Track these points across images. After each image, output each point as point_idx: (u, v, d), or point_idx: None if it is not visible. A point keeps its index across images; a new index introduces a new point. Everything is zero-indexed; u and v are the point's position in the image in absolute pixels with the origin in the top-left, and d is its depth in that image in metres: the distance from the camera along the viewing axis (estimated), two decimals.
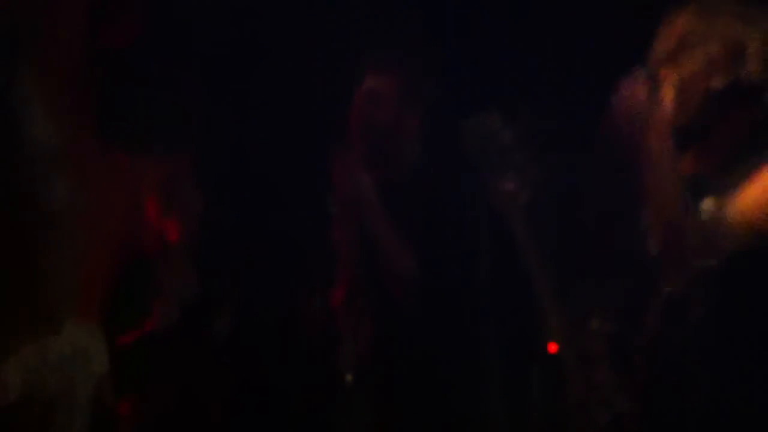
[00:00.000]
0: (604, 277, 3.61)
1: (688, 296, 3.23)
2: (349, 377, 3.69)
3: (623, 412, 3.41)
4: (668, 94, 3.06)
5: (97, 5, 4.46)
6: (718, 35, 2.99)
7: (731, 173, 3.09)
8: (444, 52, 4.35)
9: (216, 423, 4.06)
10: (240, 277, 4.45)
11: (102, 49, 4.33)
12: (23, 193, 3.97)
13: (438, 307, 3.69)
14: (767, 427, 3.23)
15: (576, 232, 3.75)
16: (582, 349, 3.58)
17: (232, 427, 4.08)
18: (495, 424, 3.89)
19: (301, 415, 4.08)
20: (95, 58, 4.43)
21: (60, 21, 4.63)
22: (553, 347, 3.84)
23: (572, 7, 4.25)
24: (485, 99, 4.21)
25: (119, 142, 4.59)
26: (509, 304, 3.94)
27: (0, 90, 4.01)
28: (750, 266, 3.17)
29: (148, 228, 4.27)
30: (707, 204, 3.07)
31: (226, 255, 4.41)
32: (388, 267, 3.60)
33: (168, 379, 4.08)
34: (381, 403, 3.77)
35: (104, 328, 3.93)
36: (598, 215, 3.68)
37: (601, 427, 3.57)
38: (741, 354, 3.24)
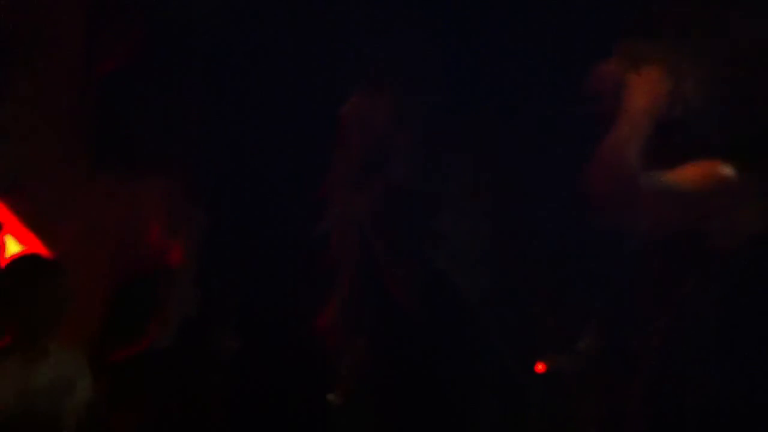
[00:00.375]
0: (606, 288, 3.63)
1: (690, 310, 3.29)
2: (332, 397, 3.72)
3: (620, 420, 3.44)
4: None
5: (93, 29, 4.50)
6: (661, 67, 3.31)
7: None
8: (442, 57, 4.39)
9: None
10: (240, 293, 4.50)
11: (97, 73, 4.37)
12: None
13: (436, 318, 3.69)
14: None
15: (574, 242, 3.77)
16: (576, 364, 3.62)
17: None
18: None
19: (299, 422, 4.12)
20: (91, 83, 4.48)
21: (56, 44, 4.67)
22: (540, 367, 3.86)
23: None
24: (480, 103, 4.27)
25: (117, 165, 4.63)
26: (508, 315, 3.98)
27: None
28: (751, 279, 3.25)
29: (148, 248, 4.31)
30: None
31: (226, 272, 4.46)
32: (385, 280, 3.60)
33: (163, 395, 4.12)
34: (377, 411, 3.78)
35: (94, 351, 3.97)
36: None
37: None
38: (742, 363, 3.27)
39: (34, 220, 4.45)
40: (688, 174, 3.25)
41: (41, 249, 4.30)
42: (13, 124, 4.48)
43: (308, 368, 3.89)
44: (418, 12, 4.55)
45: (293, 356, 4.04)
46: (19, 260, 3.81)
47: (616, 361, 3.51)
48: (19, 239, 4.39)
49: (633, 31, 3.49)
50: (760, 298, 3.27)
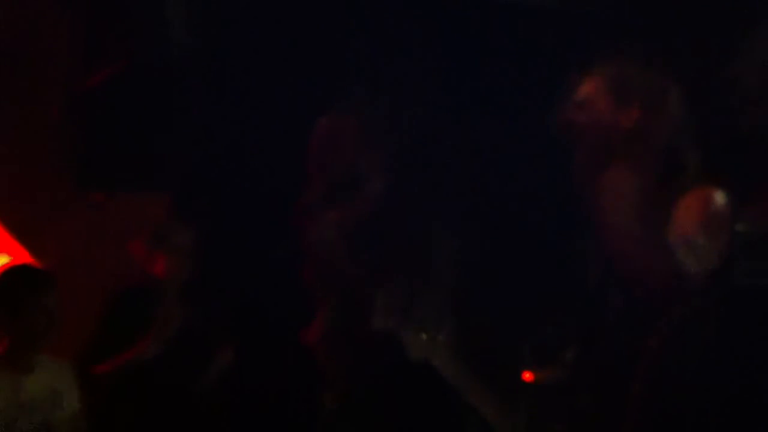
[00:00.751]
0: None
1: (684, 328, 3.30)
2: (329, 401, 3.69)
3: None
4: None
5: (79, 46, 4.50)
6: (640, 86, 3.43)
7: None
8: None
9: None
10: (230, 303, 4.49)
11: (85, 87, 4.37)
12: None
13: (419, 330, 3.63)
14: None
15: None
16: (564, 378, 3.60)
17: None
18: None
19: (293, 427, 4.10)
20: (78, 96, 4.47)
21: (43, 58, 4.66)
22: (528, 376, 3.83)
23: None
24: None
25: (101, 183, 4.63)
26: (483, 333, 3.99)
27: None
28: (743, 303, 3.29)
29: (135, 265, 4.30)
30: None
31: (216, 283, 4.44)
32: (359, 307, 3.55)
33: (151, 405, 4.09)
34: (369, 416, 3.73)
35: (82, 363, 3.95)
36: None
37: None
38: (736, 371, 3.27)
39: (21, 232, 4.43)
40: (687, 215, 3.31)
41: (30, 260, 4.29)
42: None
43: (301, 374, 3.86)
44: (397, 25, 4.59)
45: (286, 363, 4.02)
46: (9, 271, 3.80)
47: (605, 370, 3.49)
48: (8, 251, 4.37)
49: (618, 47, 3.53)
50: (751, 307, 3.29)
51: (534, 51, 4.36)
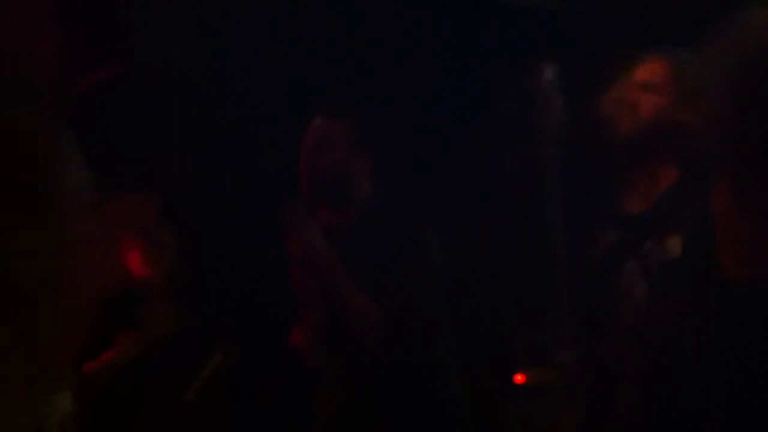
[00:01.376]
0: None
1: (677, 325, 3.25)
2: (322, 403, 3.67)
3: None
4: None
5: (71, 46, 4.49)
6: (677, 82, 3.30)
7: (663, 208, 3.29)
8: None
9: None
10: (220, 305, 4.50)
11: (74, 91, 4.37)
12: None
13: (403, 348, 3.61)
14: None
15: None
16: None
17: None
18: None
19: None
20: (67, 100, 4.45)
21: (32, 62, 4.64)
22: (520, 378, 3.80)
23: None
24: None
25: (98, 184, 4.61)
26: (472, 337, 3.97)
27: None
28: (739, 298, 3.24)
29: (121, 266, 4.31)
30: (672, 243, 3.25)
31: (202, 291, 4.45)
32: (347, 314, 3.50)
33: (142, 406, 4.10)
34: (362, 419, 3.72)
35: (72, 363, 3.95)
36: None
37: None
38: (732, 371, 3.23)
39: None
40: None
41: None
42: None
43: (295, 376, 3.85)
44: (395, 27, 4.59)
45: (280, 364, 4.02)
46: None
47: (597, 371, 3.47)
48: None
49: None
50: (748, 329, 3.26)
51: (533, 51, 4.34)
